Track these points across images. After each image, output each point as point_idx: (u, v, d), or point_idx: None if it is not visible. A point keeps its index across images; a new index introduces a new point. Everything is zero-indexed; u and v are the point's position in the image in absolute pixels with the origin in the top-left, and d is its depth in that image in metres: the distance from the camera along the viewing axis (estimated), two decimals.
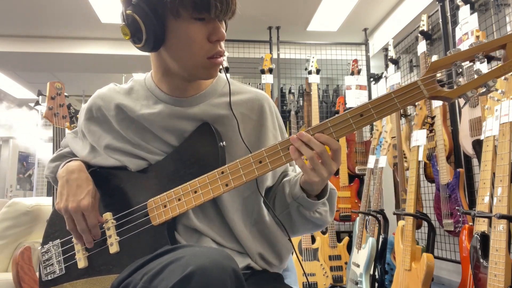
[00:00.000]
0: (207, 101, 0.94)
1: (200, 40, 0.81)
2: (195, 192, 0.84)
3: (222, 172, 0.84)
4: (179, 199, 0.85)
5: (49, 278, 0.94)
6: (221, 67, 0.90)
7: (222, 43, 0.86)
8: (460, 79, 0.79)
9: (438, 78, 0.79)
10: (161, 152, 0.92)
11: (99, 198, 0.93)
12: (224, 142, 0.90)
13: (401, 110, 3.04)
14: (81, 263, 0.91)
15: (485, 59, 0.78)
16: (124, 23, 0.83)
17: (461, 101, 0.82)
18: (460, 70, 0.78)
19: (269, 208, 0.96)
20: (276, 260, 0.96)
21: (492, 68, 0.78)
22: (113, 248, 0.88)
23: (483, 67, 0.78)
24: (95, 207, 0.90)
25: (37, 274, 1.19)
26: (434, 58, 2.58)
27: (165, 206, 0.86)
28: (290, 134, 3.55)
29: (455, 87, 0.79)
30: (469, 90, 0.78)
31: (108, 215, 0.91)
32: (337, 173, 3.64)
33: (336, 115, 0.83)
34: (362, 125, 0.81)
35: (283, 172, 1.01)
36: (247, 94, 0.98)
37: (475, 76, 0.78)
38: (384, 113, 0.81)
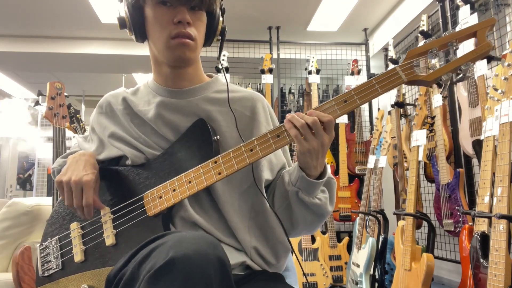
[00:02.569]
0: (202, 95, 0.99)
1: (166, 22, 0.90)
2: (189, 182, 0.87)
3: (215, 162, 0.87)
4: (174, 190, 0.88)
5: (46, 274, 0.95)
6: (222, 66, 0.94)
7: (193, 29, 0.92)
8: (436, 65, 0.85)
9: (415, 64, 0.85)
10: (158, 147, 0.96)
11: (98, 185, 0.96)
12: (218, 136, 0.93)
13: (401, 110, 3.04)
14: (78, 257, 0.92)
15: (459, 46, 0.83)
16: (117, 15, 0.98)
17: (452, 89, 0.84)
18: (436, 57, 0.83)
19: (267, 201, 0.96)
20: (272, 257, 0.96)
21: (466, 53, 0.83)
22: (109, 240, 0.90)
23: (459, 53, 0.83)
24: (95, 189, 0.93)
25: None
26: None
27: (160, 197, 0.88)
28: None
29: (431, 72, 0.84)
30: (444, 74, 0.83)
31: (105, 210, 0.93)
32: (337, 173, 3.64)
33: (322, 103, 0.88)
34: (346, 110, 0.86)
35: (282, 168, 1.02)
36: (242, 93, 1.04)
37: (450, 61, 0.83)
38: (366, 98, 0.86)
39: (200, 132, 0.92)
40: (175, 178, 0.88)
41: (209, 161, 0.87)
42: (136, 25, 0.94)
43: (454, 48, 0.83)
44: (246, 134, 0.97)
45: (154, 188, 0.89)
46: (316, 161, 0.87)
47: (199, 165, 0.87)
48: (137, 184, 0.93)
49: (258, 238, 0.94)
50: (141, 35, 0.96)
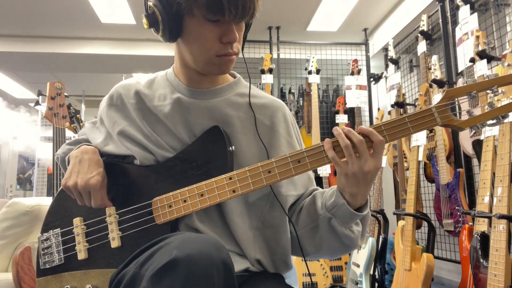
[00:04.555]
0: (224, 97, 0.95)
1: (212, 40, 0.83)
2: (202, 195, 0.85)
3: (230, 178, 0.84)
4: (185, 201, 0.86)
5: (48, 266, 0.95)
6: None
7: (237, 44, 0.86)
8: (473, 110, 0.80)
9: (451, 106, 0.81)
10: (170, 148, 0.92)
11: (106, 183, 0.93)
12: (233, 147, 0.90)
13: (401, 110, 3.04)
14: (81, 254, 0.91)
15: (499, 92, 0.80)
16: (145, 13, 0.87)
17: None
18: (475, 100, 0.80)
19: (290, 221, 0.94)
20: (272, 268, 0.95)
21: (504, 103, 0.80)
22: (115, 243, 0.89)
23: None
24: (103, 188, 0.91)
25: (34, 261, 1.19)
26: (434, 58, 2.57)
27: (170, 206, 0.87)
28: None
29: (467, 118, 0.80)
30: (480, 122, 0.80)
31: (111, 210, 0.91)
32: (337, 173, 3.63)
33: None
34: (370, 146, 0.81)
35: (308, 179, 0.99)
36: (263, 99, 0.99)
37: (488, 109, 0.80)
38: (396, 136, 0.81)
39: (215, 141, 0.89)
40: (186, 188, 0.86)
41: (223, 176, 0.85)
42: (170, 29, 0.84)
43: (495, 93, 0.80)
44: (265, 144, 0.94)
45: (164, 195, 0.87)
46: (356, 188, 0.81)
47: (213, 179, 0.85)
48: (145, 186, 0.91)
49: (262, 251, 0.93)
50: (171, 39, 0.87)
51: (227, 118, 0.93)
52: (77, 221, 0.94)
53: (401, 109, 3.05)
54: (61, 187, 0.98)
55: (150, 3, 0.85)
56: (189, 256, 0.62)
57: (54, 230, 0.97)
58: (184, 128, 0.93)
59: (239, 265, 0.89)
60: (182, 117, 0.93)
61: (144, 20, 0.87)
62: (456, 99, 0.81)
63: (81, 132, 1.10)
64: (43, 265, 0.96)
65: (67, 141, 1.09)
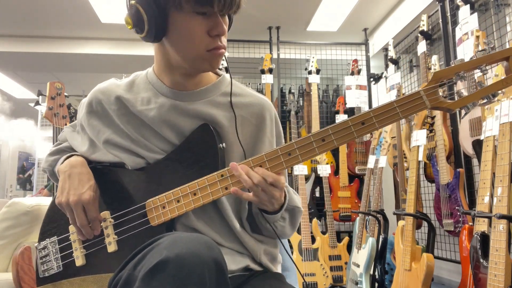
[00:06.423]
0: (208, 98, 0.94)
1: (200, 34, 0.82)
2: (194, 194, 0.85)
3: (222, 175, 0.84)
4: (178, 201, 0.85)
5: (46, 275, 0.94)
6: (222, 65, 0.91)
7: (224, 38, 0.86)
8: (462, 90, 0.80)
9: (440, 89, 0.80)
10: (160, 151, 0.92)
11: (98, 195, 0.93)
12: (223, 144, 0.89)
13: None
14: (79, 261, 0.91)
15: (487, 71, 0.79)
16: (127, 12, 0.84)
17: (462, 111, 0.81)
18: (463, 80, 0.79)
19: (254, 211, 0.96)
20: (279, 257, 0.97)
21: (495, 82, 0.79)
22: (111, 247, 0.88)
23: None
24: (96, 202, 0.90)
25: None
26: (434, 58, 2.57)
27: (164, 207, 0.86)
28: (290, 134, 3.55)
29: (456, 98, 0.79)
30: (470, 102, 0.79)
31: (106, 214, 0.90)
32: (337, 173, 3.63)
33: (338, 122, 0.82)
34: (363, 133, 0.81)
35: None
36: (249, 98, 0.98)
37: (478, 88, 0.79)
38: (386, 122, 0.81)
39: (206, 139, 0.88)
40: (179, 188, 0.85)
41: (215, 173, 0.84)
42: (156, 27, 0.81)
43: (483, 72, 0.79)
44: (249, 143, 0.94)
45: (157, 196, 0.87)
46: (272, 207, 0.85)
47: (205, 177, 0.84)
48: (138, 189, 0.90)
49: (264, 241, 0.95)
50: (157, 37, 0.84)
51: (215, 118, 0.92)
52: (73, 227, 0.93)
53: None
54: None
55: (132, 2, 0.82)
56: (179, 256, 0.62)
57: (51, 238, 0.96)
58: (172, 131, 0.92)
59: (238, 263, 0.89)
60: (169, 121, 0.91)
61: (128, 20, 0.84)
62: (445, 81, 0.80)
63: (61, 137, 1.08)
64: (42, 274, 0.95)
65: (49, 152, 1.05)
